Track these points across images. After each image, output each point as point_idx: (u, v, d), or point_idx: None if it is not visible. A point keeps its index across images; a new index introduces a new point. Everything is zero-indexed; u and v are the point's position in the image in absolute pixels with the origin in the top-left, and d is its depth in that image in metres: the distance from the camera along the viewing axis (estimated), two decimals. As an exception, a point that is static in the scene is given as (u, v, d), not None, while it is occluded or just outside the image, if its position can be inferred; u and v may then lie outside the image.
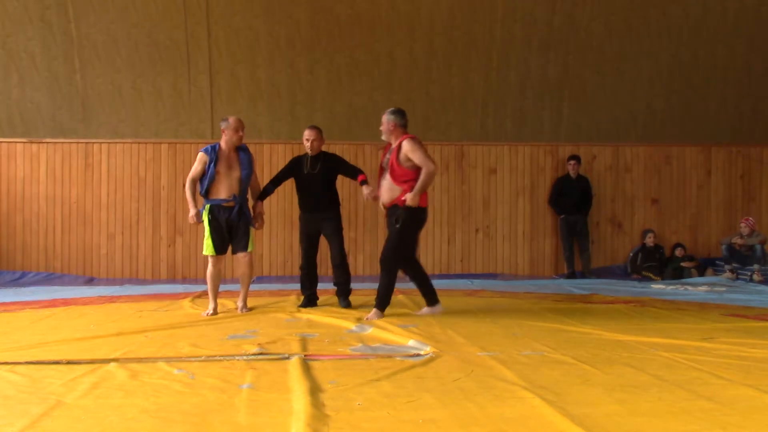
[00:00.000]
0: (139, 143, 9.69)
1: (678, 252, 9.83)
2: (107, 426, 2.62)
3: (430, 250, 9.84)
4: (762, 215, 10.22)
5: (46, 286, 8.51)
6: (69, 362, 3.67)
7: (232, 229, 5.80)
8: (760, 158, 10.33)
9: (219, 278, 5.91)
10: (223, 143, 5.81)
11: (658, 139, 10.33)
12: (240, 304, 5.94)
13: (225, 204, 5.75)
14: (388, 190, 5.56)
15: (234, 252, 5.92)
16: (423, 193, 5.46)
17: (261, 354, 3.92)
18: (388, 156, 5.62)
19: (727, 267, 9.25)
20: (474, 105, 10.26)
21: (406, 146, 5.45)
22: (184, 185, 9.62)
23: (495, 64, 10.09)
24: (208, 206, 5.76)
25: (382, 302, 5.52)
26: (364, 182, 6.07)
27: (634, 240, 10.08)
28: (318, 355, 3.91)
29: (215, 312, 5.75)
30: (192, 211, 5.75)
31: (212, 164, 5.71)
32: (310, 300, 6.14)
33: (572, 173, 9.76)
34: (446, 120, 10.20)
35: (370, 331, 4.84)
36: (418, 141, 5.54)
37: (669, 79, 10.31)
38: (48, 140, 9.63)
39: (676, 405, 2.91)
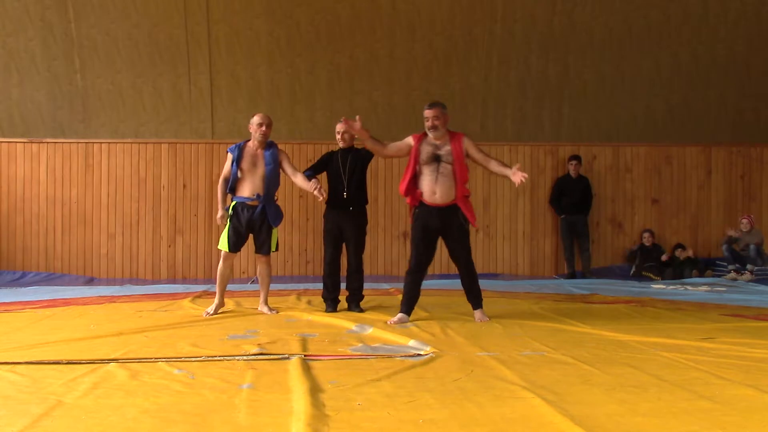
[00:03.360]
0: (139, 143, 9.69)
1: (678, 252, 9.83)
2: (107, 426, 2.62)
3: (430, 250, 9.82)
4: (762, 215, 10.21)
5: (47, 286, 8.52)
6: (69, 362, 3.67)
7: (254, 228, 5.73)
8: (760, 158, 10.33)
9: (229, 275, 5.85)
10: (250, 140, 5.79)
11: (658, 139, 10.33)
12: (264, 308, 5.78)
13: (249, 203, 5.70)
14: (448, 188, 5.30)
15: (256, 252, 5.86)
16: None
17: (261, 354, 3.91)
18: (434, 151, 5.33)
19: (730, 267, 9.25)
20: (474, 105, 10.26)
21: (469, 143, 5.37)
22: (184, 186, 9.74)
23: (495, 64, 10.09)
24: (233, 203, 5.74)
25: (480, 299, 5.51)
26: None
27: (634, 240, 10.08)
28: (318, 355, 3.91)
29: (219, 307, 5.68)
30: (220, 212, 5.74)
31: (235, 162, 5.68)
32: (333, 305, 5.97)
33: (573, 173, 9.76)
34: (446, 120, 10.18)
35: (370, 331, 4.83)
36: None
37: (669, 79, 10.31)
38: (48, 140, 9.64)
39: (676, 405, 2.91)
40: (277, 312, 5.76)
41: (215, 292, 5.88)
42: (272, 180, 5.74)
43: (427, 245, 5.49)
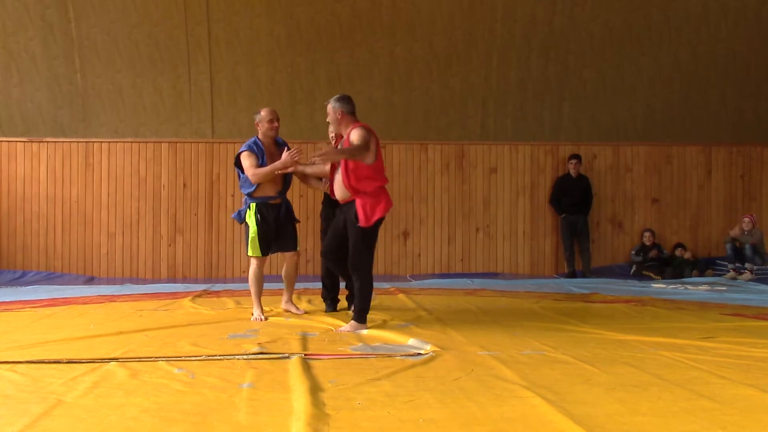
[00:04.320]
0: (139, 143, 9.70)
1: (678, 252, 9.83)
2: (107, 425, 2.62)
3: (430, 250, 9.85)
4: (763, 215, 10.21)
5: (47, 285, 8.51)
6: (69, 361, 3.67)
7: (279, 227, 5.56)
8: (760, 158, 10.33)
9: (262, 281, 5.60)
10: (260, 137, 5.56)
11: (658, 138, 10.33)
12: (291, 306, 5.67)
13: (271, 201, 5.51)
14: (341, 184, 4.94)
15: (282, 250, 5.68)
16: (341, 158, 4.82)
17: (261, 353, 3.91)
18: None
19: (730, 266, 9.25)
20: (474, 105, 10.26)
21: (354, 133, 4.85)
22: (184, 185, 9.73)
23: (495, 64, 10.09)
24: (254, 205, 5.48)
25: (362, 313, 4.93)
26: None
27: (634, 240, 10.08)
28: (318, 355, 3.91)
29: (264, 317, 5.40)
30: (280, 163, 5.33)
31: (262, 160, 5.44)
32: (333, 304, 5.93)
33: (573, 173, 9.76)
34: (446, 120, 10.20)
35: (370, 330, 4.83)
36: (369, 130, 4.92)
37: (669, 79, 10.31)
38: (48, 140, 9.64)
39: (677, 404, 2.91)
40: (305, 312, 5.65)
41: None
42: (290, 176, 5.63)
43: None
